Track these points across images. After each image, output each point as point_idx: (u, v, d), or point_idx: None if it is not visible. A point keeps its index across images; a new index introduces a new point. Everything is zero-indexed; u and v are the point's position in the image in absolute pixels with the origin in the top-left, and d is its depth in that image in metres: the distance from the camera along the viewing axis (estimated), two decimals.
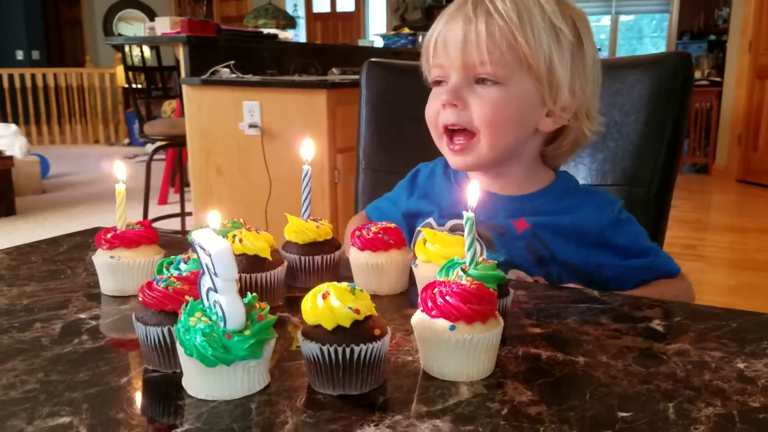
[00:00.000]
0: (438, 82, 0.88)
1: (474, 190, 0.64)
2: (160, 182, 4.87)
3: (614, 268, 0.88)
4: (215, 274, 0.50)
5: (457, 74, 0.85)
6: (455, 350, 0.55)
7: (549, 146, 0.92)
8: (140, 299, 0.59)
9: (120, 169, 0.74)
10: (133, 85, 3.45)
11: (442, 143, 0.90)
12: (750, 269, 3.36)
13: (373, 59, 1.36)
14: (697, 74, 6.67)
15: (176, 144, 3.35)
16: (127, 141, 8.68)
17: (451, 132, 0.87)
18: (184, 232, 3.52)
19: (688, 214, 4.56)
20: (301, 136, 2.81)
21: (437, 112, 0.87)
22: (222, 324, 0.52)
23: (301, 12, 10.22)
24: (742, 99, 5.61)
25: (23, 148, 5.19)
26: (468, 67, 0.83)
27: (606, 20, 9.66)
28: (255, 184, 2.70)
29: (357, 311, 0.54)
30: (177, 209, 3.88)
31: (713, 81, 6.37)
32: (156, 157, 3.47)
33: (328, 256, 0.82)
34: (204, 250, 0.50)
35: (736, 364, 0.58)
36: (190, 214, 3.23)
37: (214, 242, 0.50)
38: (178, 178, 4.57)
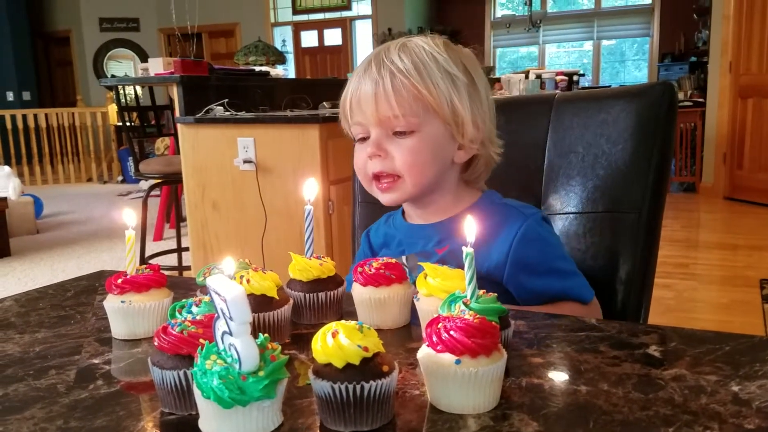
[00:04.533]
0: (362, 139, 0.98)
1: (470, 226, 0.67)
2: (155, 218, 4.89)
3: (524, 286, 0.95)
4: (230, 318, 0.53)
5: (375, 129, 0.95)
6: (461, 383, 0.57)
7: (466, 172, 1.03)
8: (156, 344, 0.61)
9: (129, 215, 0.77)
10: (127, 123, 3.49)
11: (372, 187, 1.01)
12: (741, 286, 3.39)
13: None
14: (680, 95, 6.80)
15: (172, 181, 3.38)
16: (120, 178, 8.69)
17: (377, 176, 0.98)
18: (181, 268, 3.53)
19: (677, 233, 4.61)
20: (295, 170, 2.84)
21: (365, 163, 0.98)
22: (237, 366, 0.54)
23: (289, 47, 10.38)
24: (725, 118, 5.71)
25: (17, 188, 5.19)
26: (383, 121, 0.94)
27: (588, 45, 9.85)
28: (251, 218, 2.72)
29: (366, 349, 0.56)
30: (172, 244, 3.89)
31: (696, 101, 6.49)
32: (151, 193, 3.50)
33: (332, 293, 0.84)
34: (219, 295, 0.53)
35: (731, 387, 0.60)
36: (186, 249, 3.24)
37: (229, 288, 0.52)
38: (173, 213, 4.60)
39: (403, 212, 1.09)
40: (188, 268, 3.41)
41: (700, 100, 6.45)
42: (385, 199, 1.00)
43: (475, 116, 0.96)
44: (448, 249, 0.98)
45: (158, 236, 4.81)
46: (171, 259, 3.71)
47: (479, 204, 1.03)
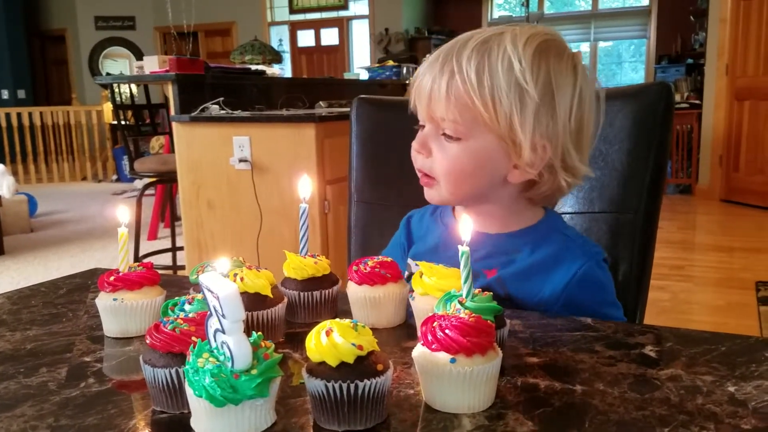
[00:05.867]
0: (421, 126, 0.92)
1: (467, 225, 0.66)
2: (149, 217, 4.87)
3: None
4: (223, 315, 0.52)
5: (428, 123, 0.89)
6: (456, 383, 0.57)
7: (528, 192, 0.92)
8: (148, 341, 0.60)
9: (123, 212, 0.76)
10: (122, 122, 3.48)
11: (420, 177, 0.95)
12: (737, 288, 3.40)
13: (362, 96, 1.39)
14: (677, 97, 6.81)
15: (167, 180, 3.37)
16: (115, 177, 8.67)
17: (419, 170, 0.93)
18: (176, 267, 3.52)
19: (674, 234, 4.62)
20: (291, 169, 2.84)
21: (414, 153, 0.93)
22: (230, 364, 0.53)
23: (286, 46, 10.37)
24: (721, 120, 5.72)
25: (11, 187, 5.17)
26: (433, 119, 0.88)
27: (585, 47, 9.86)
28: (246, 217, 2.71)
29: (360, 347, 0.56)
30: (167, 244, 3.88)
31: (693, 103, 6.51)
32: (145, 192, 3.48)
33: (327, 291, 0.83)
34: (212, 292, 0.52)
35: (727, 388, 0.60)
36: (181, 248, 3.22)
37: (222, 285, 0.52)
38: (168, 212, 4.58)
39: (453, 207, 1.01)
40: (183, 267, 3.39)
41: (697, 102, 6.47)
42: (425, 194, 0.94)
43: (536, 140, 0.84)
44: (497, 275, 0.90)
45: (152, 235, 4.80)
46: (165, 259, 3.70)
47: (539, 227, 0.93)
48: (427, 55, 0.94)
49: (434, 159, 0.89)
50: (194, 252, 2.88)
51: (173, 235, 3.68)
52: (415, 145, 0.91)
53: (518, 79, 0.82)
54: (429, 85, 0.86)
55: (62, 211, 6.34)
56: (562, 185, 0.89)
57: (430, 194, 0.93)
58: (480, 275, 0.92)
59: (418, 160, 0.91)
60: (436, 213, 1.03)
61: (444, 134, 0.87)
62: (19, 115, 8.43)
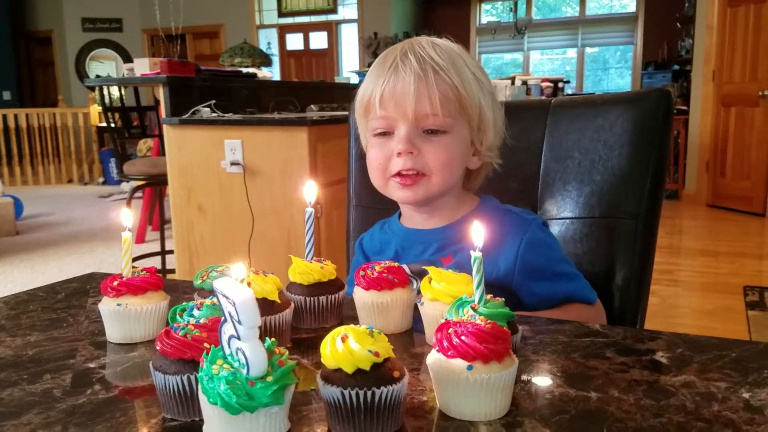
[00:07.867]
0: (382, 134, 0.95)
1: (478, 231, 0.66)
2: (137, 220, 4.83)
3: (533, 291, 0.94)
4: (239, 321, 0.51)
5: (407, 125, 0.92)
6: (473, 390, 0.56)
7: (468, 179, 1.03)
8: (158, 348, 0.59)
9: (126, 216, 0.75)
10: (110, 124, 3.44)
11: (387, 185, 0.97)
12: (724, 293, 3.43)
13: None
14: None
15: (156, 183, 3.34)
16: (101, 180, 8.58)
17: (399, 172, 0.94)
18: (165, 271, 3.49)
19: (661, 239, 4.63)
20: (283, 172, 2.81)
21: (388, 159, 0.94)
22: (245, 371, 0.52)
23: (274, 49, 10.33)
24: (708, 126, 5.78)
25: None
26: (419, 118, 0.91)
27: (572, 53, 9.93)
28: (237, 220, 2.69)
29: (376, 354, 0.55)
30: (155, 247, 3.85)
31: (679, 109, 6.56)
32: (134, 195, 3.45)
33: (333, 296, 0.83)
34: (227, 298, 0.51)
35: (742, 394, 0.60)
36: (170, 252, 3.19)
37: (238, 291, 0.51)
38: (156, 216, 4.54)
39: (398, 217, 1.07)
40: (172, 271, 3.36)
41: (683, 108, 6.53)
42: (404, 195, 0.96)
43: (496, 122, 0.97)
44: (454, 262, 0.95)
45: (140, 239, 4.75)
46: (154, 262, 3.66)
47: (479, 210, 1.01)
48: (369, 68, 0.99)
49: (425, 155, 0.93)
50: (184, 256, 2.86)
51: (162, 239, 3.65)
52: (401, 146, 0.92)
53: (472, 69, 0.94)
54: (414, 84, 0.90)
55: (48, 213, 6.27)
56: (495, 167, 1.02)
57: (415, 192, 0.95)
58: (438, 264, 0.96)
59: (406, 161, 0.93)
60: (384, 227, 1.09)
61: (428, 131, 0.92)
62: (4, 116, 8.32)
